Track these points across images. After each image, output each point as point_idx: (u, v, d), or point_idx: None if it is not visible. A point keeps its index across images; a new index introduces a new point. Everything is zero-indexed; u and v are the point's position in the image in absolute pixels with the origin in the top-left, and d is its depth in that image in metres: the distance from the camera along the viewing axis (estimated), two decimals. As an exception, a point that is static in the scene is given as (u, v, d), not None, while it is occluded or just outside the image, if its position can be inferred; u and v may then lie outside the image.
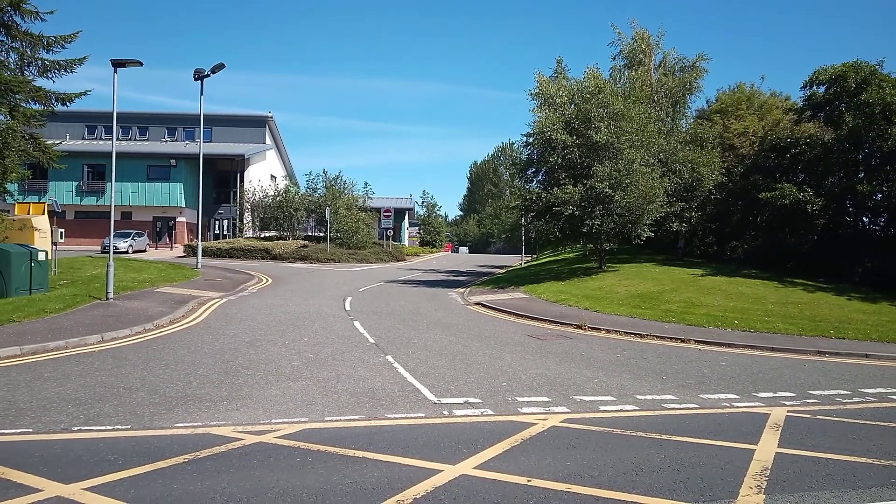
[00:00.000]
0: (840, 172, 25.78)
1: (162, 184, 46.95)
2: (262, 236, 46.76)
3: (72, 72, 24.79)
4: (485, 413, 7.69)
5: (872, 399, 9.11)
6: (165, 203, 47.12)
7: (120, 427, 6.72)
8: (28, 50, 23.85)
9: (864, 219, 27.05)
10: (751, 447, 6.39)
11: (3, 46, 23.26)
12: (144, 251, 41.71)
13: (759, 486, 5.27)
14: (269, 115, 55.39)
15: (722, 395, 9.00)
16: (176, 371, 9.49)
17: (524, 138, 26.91)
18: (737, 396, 8.97)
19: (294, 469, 5.46)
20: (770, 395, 9.16)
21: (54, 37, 24.13)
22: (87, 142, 51.31)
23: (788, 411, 8.11)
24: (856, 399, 9.09)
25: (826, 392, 9.48)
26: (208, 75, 28.11)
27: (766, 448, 6.38)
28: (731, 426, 7.35)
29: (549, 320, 16.57)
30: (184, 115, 53.97)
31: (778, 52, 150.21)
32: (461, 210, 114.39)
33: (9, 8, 22.61)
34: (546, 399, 8.44)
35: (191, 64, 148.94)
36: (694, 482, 5.34)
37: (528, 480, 5.26)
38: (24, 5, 23.02)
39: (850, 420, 7.78)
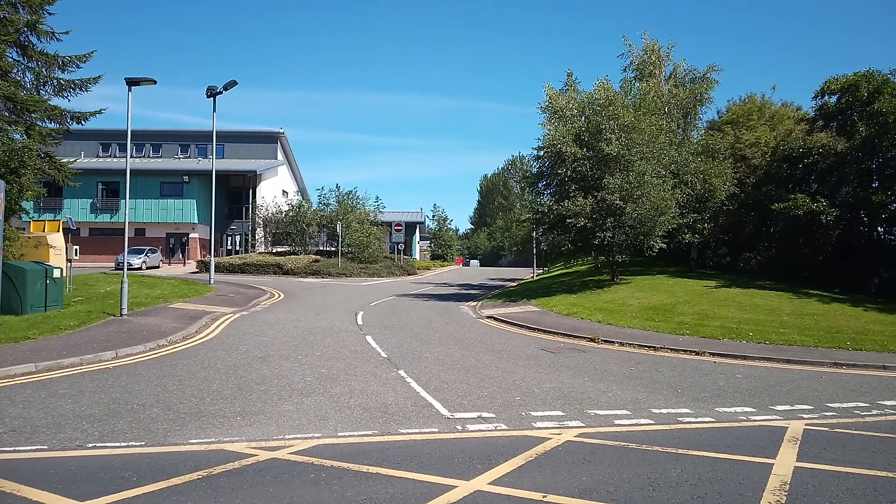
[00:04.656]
0: (854, 182, 25.59)
1: (175, 200, 47.37)
2: (274, 251, 47.01)
3: (86, 90, 25.19)
4: (498, 428, 7.64)
5: (891, 411, 8.96)
6: (178, 219, 47.51)
7: (134, 443, 6.73)
8: (44, 69, 24.25)
9: (879, 229, 26.80)
10: (769, 461, 6.30)
11: (20, 66, 23.67)
12: (158, 267, 42.04)
13: (778, 501, 5.19)
14: (281, 130, 55.89)
15: (738, 409, 8.90)
16: (189, 387, 9.51)
17: (535, 151, 27.06)
18: (753, 409, 8.86)
19: (308, 485, 5.44)
20: (787, 407, 9.04)
21: (69, 56, 24.54)
22: (101, 159, 51.99)
23: (806, 424, 8.00)
24: (875, 411, 8.95)
25: (844, 404, 9.34)
26: (221, 92, 28.39)
27: (785, 462, 6.29)
28: (748, 440, 7.25)
29: (561, 333, 16.49)
30: (196, 132, 54.65)
31: (788, 62, 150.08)
32: (472, 223, 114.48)
33: (25, 29, 23.02)
34: (560, 413, 8.38)
35: (203, 81, 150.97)
36: (712, 497, 5.26)
37: (544, 496, 5.21)
38: (40, 25, 23.43)
39: (869, 433, 7.66)
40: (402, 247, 49.68)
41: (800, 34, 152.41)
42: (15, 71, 23.27)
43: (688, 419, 8.24)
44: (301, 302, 23.40)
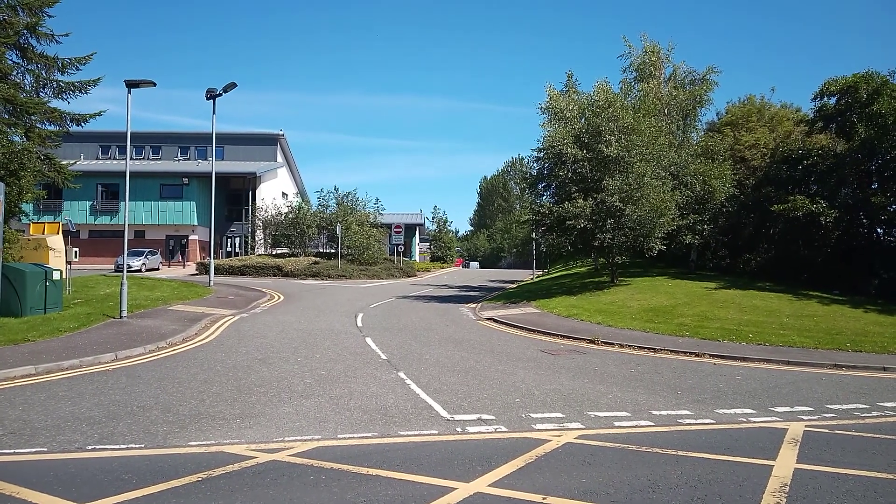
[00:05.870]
0: (854, 184, 25.60)
1: (175, 202, 47.34)
2: (273, 253, 46.99)
3: (86, 93, 25.20)
4: (498, 430, 7.64)
5: (891, 413, 8.97)
6: (178, 221, 47.47)
7: (134, 446, 6.73)
8: (43, 72, 24.25)
9: (878, 230, 26.80)
10: (769, 463, 6.30)
11: (20, 69, 23.67)
12: (157, 269, 42.00)
13: (778, 502, 5.19)
14: (281, 132, 55.90)
15: (738, 410, 8.90)
16: (189, 389, 9.50)
17: (534, 153, 27.00)
18: (753, 411, 8.86)
19: (308, 487, 5.44)
20: (787, 409, 9.04)
21: (69, 59, 24.54)
22: (100, 161, 51.97)
23: (806, 426, 8.01)
24: (874, 413, 8.96)
25: (844, 406, 9.35)
26: (220, 94, 28.39)
27: (785, 464, 6.29)
28: (748, 441, 7.25)
29: (561, 335, 16.48)
30: (196, 134, 54.64)
31: (788, 63, 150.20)
32: (471, 225, 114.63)
33: (25, 31, 23.02)
34: (560, 415, 8.37)
35: (203, 83, 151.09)
36: (712, 499, 5.26)
37: (544, 498, 5.21)
38: (40, 28, 23.43)
39: (869, 434, 7.66)
40: (401, 248, 49.67)
41: (799, 35, 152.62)
42: (14, 73, 23.27)
43: (688, 421, 8.24)
44: (301, 304, 23.39)
